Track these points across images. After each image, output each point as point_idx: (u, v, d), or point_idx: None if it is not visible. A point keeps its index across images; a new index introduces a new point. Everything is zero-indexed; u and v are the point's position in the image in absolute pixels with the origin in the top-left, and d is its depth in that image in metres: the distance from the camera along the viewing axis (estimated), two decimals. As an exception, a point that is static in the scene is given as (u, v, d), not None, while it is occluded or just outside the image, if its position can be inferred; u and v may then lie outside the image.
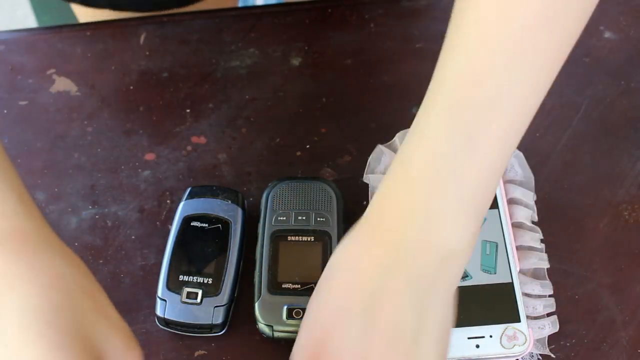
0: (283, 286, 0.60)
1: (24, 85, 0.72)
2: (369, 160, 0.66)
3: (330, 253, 0.61)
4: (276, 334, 0.59)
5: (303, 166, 0.68)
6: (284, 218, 0.63)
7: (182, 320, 0.60)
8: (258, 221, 0.63)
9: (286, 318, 0.59)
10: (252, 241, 0.64)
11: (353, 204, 0.66)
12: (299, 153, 0.69)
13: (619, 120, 0.71)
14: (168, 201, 0.67)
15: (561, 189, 0.67)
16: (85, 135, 0.70)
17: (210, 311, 0.60)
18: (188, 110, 0.71)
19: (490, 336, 0.58)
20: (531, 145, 0.69)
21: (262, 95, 0.72)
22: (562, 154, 0.69)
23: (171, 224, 0.63)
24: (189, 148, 0.69)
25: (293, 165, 0.68)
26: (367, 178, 0.65)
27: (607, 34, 0.75)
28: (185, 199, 0.64)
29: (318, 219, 0.63)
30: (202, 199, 0.64)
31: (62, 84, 0.72)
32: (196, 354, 0.61)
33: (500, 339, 0.58)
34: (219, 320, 0.60)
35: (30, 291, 0.42)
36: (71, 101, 0.72)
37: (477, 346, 0.58)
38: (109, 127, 0.70)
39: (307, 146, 0.69)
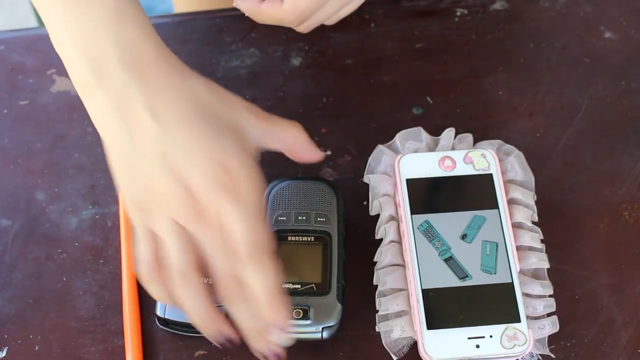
0: (283, 286, 0.60)
1: (24, 85, 0.73)
2: (369, 160, 0.66)
3: (331, 252, 0.61)
4: None
5: (303, 166, 0.68)
6: (284, 218, 0.63)
7: (182, 321, 0.60)
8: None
9: None
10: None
11: (353, 204, 0.66)
12: (299, 153, 0.69)
13: (619, 120, 0.71)
14: (168, 201, 0.67)
15: (561, 189, 0.67)
16: (86, 135, 0.70)
17: None
18: (188, 110, 0.71)
19: (490, 336, 0.58)
20: (531, 145, 0.69)
21: (262, 95, 0.72)
22: (562, 154, 0.69)
23: None
24: (189, 148, 0.69)
25: (293, 165, 0.68)
26: (367, 178, 0.65)
27: (607, 34, 0.75)
28: None
29: (318, 219, 0.63)
30: None
31: (63, 84, 0.72)
32: (196, 354, 0.61)
33: (500, 339, 0.58)
34: None
35: (179, 100, 0.53)
36: (71, 101, 0.72)
37: (477, 346, 0.58)
38: (109, 127, 0.70)
39: (307, 146, 0.69)
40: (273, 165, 0.68)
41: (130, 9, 0.54)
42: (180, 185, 0.52)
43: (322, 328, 0.59)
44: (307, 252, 0.61)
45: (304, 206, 0.63)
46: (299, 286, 0.60)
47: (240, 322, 0.54)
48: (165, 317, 0.60)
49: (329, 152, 0.63)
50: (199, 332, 0.60)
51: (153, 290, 0.54)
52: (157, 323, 0.61)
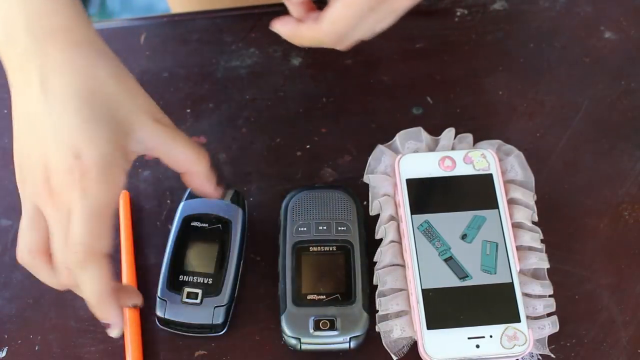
0: (308, 298, 0.60)
1: (24, 85, 0.72)
2: (369, 160, 0.66)
3: (353, 261, 0.61)
4: (304, 347, 0.59)
5: (303, 166, 0.68)
6: (305, 229, 0.62)
7: (182, 321, 0.60)
8: (278, 232, 0.63)
9: (313, 330, 0.59)
10: (251, 241, 0.64)
11: (353, 204, 0.66)
12: (299, 153, 0.69)
13: (619, 120, 0.71)
14: (168, 201, 0.67)
15: (561, 189, 0.67)
16: (86, 135, 0.70)
17: (210, 311, 0.60)
18: (188, 110, 0.71)
19: (491, 336, 0.58)
20: (531, 145, 0.69)
21: (262, 95, 0.72)
22: (562, 154, 0.69)
23: (171, 224, 0.63)
24: (189, 148, 0.69)
25: (293, 165, 0.68)
26: (367, 178, 0.65)
27: (607, 34, 0.75)
28: (185, 199, 0.64)
29: (339, 228, 0.63)
30: (202, 199, 0.63)
31: (62, 84, 0.72)
32: (196, 354, 0.61)
33: (501, 339, 0.58)
34: (219, 320, 0.60)
35: (72, 77, 0.52)
36: (71, 101, 0.72)
37: (477, 346, 0.58)
38: (109, 127, 0.70)
39: (307, 146, 0.70)
40: (273, 165, 0.68)
41: None
42: (42, 164, 0.52)
43: (350, 338, 0.59)
44: (330, 262, 0.61)
45: (324, 216, 0.63)
46: (324, 297, 0.60)
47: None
48: (166, 317, 0.60)
49: (226, 198, 0.63)
50: (199, 332, 0.60)
51: (39, 275, 0.55)
52: (157, 323, 0.61)
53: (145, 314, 0.62)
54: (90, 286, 0.52)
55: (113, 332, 0.55)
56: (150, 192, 0.67)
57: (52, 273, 0.54)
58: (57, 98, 0.51)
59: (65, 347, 0.61)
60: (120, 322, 0.54)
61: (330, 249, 0.61)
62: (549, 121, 0.71)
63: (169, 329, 0.61)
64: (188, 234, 0.62)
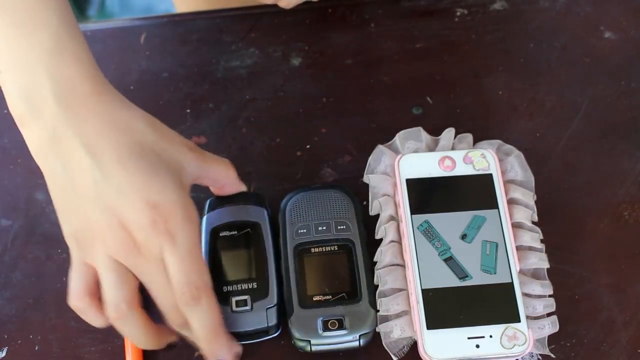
0: (314, 299, 0.60)
1: (24, 85, 0.72)
2: (369, 160, 0.66)
3: (356, 259, 0.61)
4: (314, 348, 0.59)
5: (303, 166, 0.68)
6: (305, 230, 0.62)
7: (237, 330, 0.59)
8: (279, 235, 0.63)
9: (322, 331, 0.58)
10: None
11: (353, 204, 0.66)
12: (299, 153, 0.69)
13: (619, 120, 0.71)
14: (168, 201, 0.67)
15: (561, 189, 0.67)
16: (85, 135, 0.70)
17: (263, 315, 0.59)
18: (188, 110, 0.71)
19: (490, 336, 0.58)
20: (531, 145, 0.69)
21: (262, 95, 0.72)
22: (562, 154, 0.69)
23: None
24: (189, 148, 0.69)
25: (293, 165, 0.68)
26: (367, 178, 0.65)
27: (607, 34, 0.75)
28: (207, 212, 0.63)
29: (339, 227, 0.62)
30: (224, 208, 0.63)
31: (62, 84, 0.72)
32: (196, 354, 0.61)
33: (500, 339, 0.58)
34: (273, 321, 0.59)
35: (118, 137, 0.53)
36: (71, 101, 0.72)
37: (477, 346, 0.58)
38: (109, 127, 0.70)
39: (307, 146, 0.69)
40: (273, 165, 0.68)
41: (69, 45, 0.53)
42: (116, 223, 0.52)
43: (359, 336, 0.59)
44: (333, 262, 0.61)
45: (322, 216, 0.63)
46: (330, 297, 0.60)
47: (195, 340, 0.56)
48: None
49: (252, 188, 0.65)
50: (256, 338, 0.60)
51: (88, 318, 0.55)
52: None
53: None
54: (204, 321, 0.54)
55: None
56: (150, 192, 0.67)
57: (101, 316, 0.55)
58: (109, 161, 0.52)
59: (65, 347, 0.61)
60: (231, 355, 0.56)
61: (332, 249, 0.61)
62: (549, 121, 0.71)
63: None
64: (220, 244, 0.62)
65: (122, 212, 0.52)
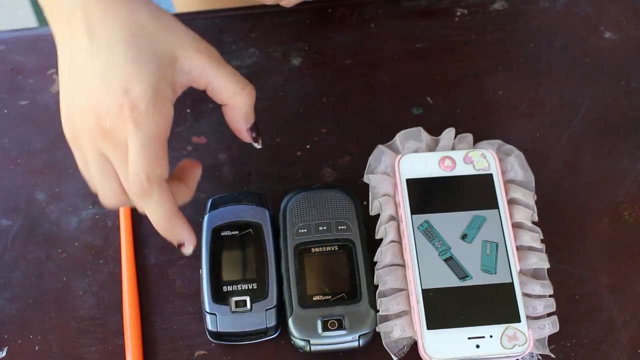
0: (314, 299, 0.60)
1: (24, 85, 0.73)
2: (369, 160, 0.66)
3: (356, 259, 0.61)
4: (313, 348, 0.59)
5: (303, 166, 0.68)
6: (305, 230, 0.62)
7: (236, 331, 0.59)
8: (279, 235, 0.63)
9: (322, 331, 0.58)
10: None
11: (353, 204, 0.66)
12: (299, 153, 0.69)
13: (619, 120, 0.71)
14: (168, 201, 0.67)
15: (561, 189, 0.67)
16: (86, 135, 0.70)
17: (262, 315, 0.59)
18: (188, 110, 0.71)
19: (491, 336, 0.58)
20: (531, 145, 0.69)
21: (262, 95, 0.72)
22: (562, 154, 0.69)
23: (199, 238, 0.62)
24: (189, 148, 0.69)
25: (293, 165, 0.68)
26: (367, 178, 0.65)
27: (607, 34, 0.75)
28: (209, 211, 0.63)
29: (339, 227, 0.62)
30: (226, 207, 0.63)
31: (62, 84, 0.72)
32: (196, 354, 0.61)
33: (501, 339, 0.58)
34: (272, 322, 0.60)
35: (115, 23, 0.55)
36: (71, 101, 0.72)
37: (477, 346, 0.58)
38: (109, 127, 0.70)
39: (307, 146, 0.69)
40: (273, 165, 0.68)
41: None
42: (94, 110, 0.54)
43: (359, 336, 0.59)
44: (333, 262, 0.61)
45: (323, 216, 0.63)
46: (330, 297, 0.60)
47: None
48: (218, 330, 0.59)
49: (257, 146, 0.62)
50: (254, 339, 0.60)
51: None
52: (209, 338, 0.60)
53: (145, 314, 0.62)
54: (157, 212, 0.55)
55: (188, 249, 0.57)
56: (150, 192, 0.67)
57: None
58: (102, 43, 0.54)
59: (65, 347, 0.61)
60: (192, 237, 0.57)
61: (332, 249, 0.61)
62: (549, 121, 0.71)
63: (222, 342, 0.60)
64: (221, 244, 0.62)
65: (99, 97, 0.54)
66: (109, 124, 0.54)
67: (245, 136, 0.60)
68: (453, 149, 0.66)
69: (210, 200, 0.64)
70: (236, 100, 0.58)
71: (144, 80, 0.54)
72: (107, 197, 0.57)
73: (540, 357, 0.60)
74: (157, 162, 0.54)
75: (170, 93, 0.55)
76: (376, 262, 0.62)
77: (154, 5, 0.57)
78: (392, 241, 0.62)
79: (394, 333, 0.59)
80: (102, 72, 0.54)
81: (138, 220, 0.66)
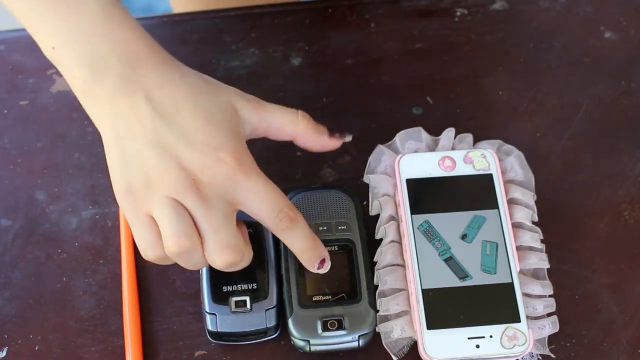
0: (314, 299, 0.60)
1: (24, 85, 0.73)
2: (369, 160, 0.66)
3: (356, 259, 0.61)
4: (313, 348, 0.59)
5: (303, 166, 0.68)
6: None
7: (236, 331, 0.59)
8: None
9: (322, 331, 0.59)
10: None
11: (353, 204, 0.66)
12: (299, 153, 0.69)
13: (619, 120, 0.71)
14: (168, 201, 0.67)
15: (561, 189, 0.67)
16: (86, 135, 0.70)
17: (262, 315, 0.59)
18: (188, 110, 0.71)
19: (491, 336, 0.58)
20: (531, 145, 0.69)
21: (262, 95, 0.72)
22: (562, 154, 0.69)
23: None
24: (189, 148, 0.69)
25: (293, 165, 0.68)
26: (367, 178, 0.65)
27: (607, 34, 0.75)
28: None
29: (339, 227, 0.62)
30: None
31: (63, 84, 0.72)
32: (196, 354, 0.61)
33: (501, 339, 0.58)
34: (272, 322, 0.60)
35: (173, 89, 0.55)
36: (71, 101, 0.71)
37: (477, 346, 0.58)
38: (109, 127, 0.70)
39: (307, 146, 0.69)
40: (273, 165, 0.68)
41: (117, 12, 0.56)
42: (175, 165, 0.53)
43: (359, 336, 0.59)
44: (333, 262, 0.60)
45: (323, 216, 0.63)
46: (330, 297, 0.60)
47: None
48: (218, 330, 0.59)
49: (348, 139, 0.62)
50: (254, 339, 0.60)
51: (182, 262, 0.56)
52: (209, 338, 0.60)
53: (145, 314, 0.62)
54: (305, 235, 0.57)
55: (326, 267, 0.59)
56: (150, 192, 0.67)
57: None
58: (169, 108, 0.55)
59: (65, 347, 0.61)
60: (324, 252, 0.59)
61: (332, 249, 0.61)
62: (549, 121, 0.71)
63: (222, 342, 0.60)
64: None
65: (182, 155, 0.54)
66: (207, 177, 0.54)
67: (334, 144, 0.61)
68: (453, 149, 0.66)
69: None
70: (299, 127, 0.60)
71: (230, 138, 0.55)
72: (179, 238, 0.54)
73: (540, 357, 0.60)
74: (284, 196, 0.56)
75: (244, 145, 0.57)
76: (376, 262, 0.62)
77: (189, 68, 0.58)
78: (392, 241, 0.62)
79: (393, 333, 0.59)
80: (178, 133, 0.54)
81: (138, 220, 0.66)
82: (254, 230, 0.62)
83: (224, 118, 0.56)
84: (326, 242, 0.61)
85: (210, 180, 0.54)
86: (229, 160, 0.54)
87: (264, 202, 0.55)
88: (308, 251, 0.58)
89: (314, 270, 0.59)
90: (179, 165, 0.53)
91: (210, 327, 0.60)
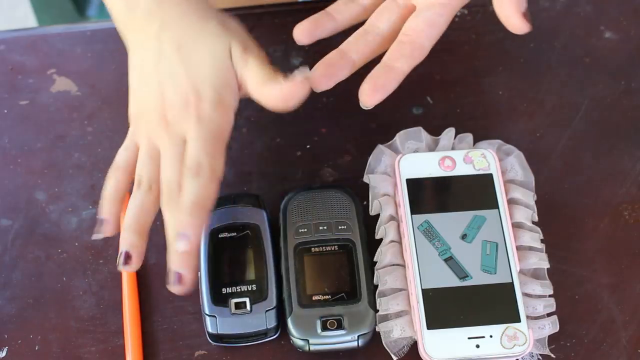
0: (313, 299, 0.60)
1: (24, 85, 0.72)
2: (369, 160, 0.66)
3: (356, 259, 0.61)
4: (312, 347, 0.59)
5: (303, 166, 0.68)
6: (305, 230, 0.62)
7: (236, 332, 0.59)
8: (278, 235, 0.63)
9: (321, 330, 0.59)
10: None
11: (353, 204, 0.66)
12: (299, 153, 0.69)
13: (619, 120, 0.71)
14: (168, 201, 0.67)
15: (561, 189, 0.67)
16: (85, 135, 0.70)
17: (262, 317, 0.59)
18: (188, 110, 0.71)
19: (491, 336, 0.58)
20: (531, 145, 0.69)
21: (262, 95, 0.72)
22: (562, 154, 0.69)
23: None
24: (189, 148, 0.69)
25: (293, 165, 0.68)
26: (367, 178, 0.65)
27: (607, 34, 0.75)
28: None
29: (339, 227, 0.62)
30: (223, 209, 0.63)
31: (62, 84, 0.72)
32: (196, 354, 0.61)
33: (501, 339, 0.58)
34: (272, 323, 0.60)
35: (185, 29, 0.59)
36: (71, 101, 0.72)
37: (477, 346, 0.58)
38: (109, 127, 0.70)
39: (307, 146, 0.69)
40: (273, 165, 0.68)
41: None
42: (160, 103, 0.57)
43: (358, 336, 0.59)
44: (333, 262, 0.61)
45: (323, 216, 0.63)
46: (329, 297, 0.60)
47: (166, 226, 0.56)
48: (219, 332, 0.59)
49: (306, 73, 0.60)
50: (254, 340, 0.60)
51: (106, 191, 0.58)
52: (209, 340, 0.60)
53: (145, 314, 0.62)
54: (194, 192, 0.55)
55: (182, 246, 0.54)
56: (150, 192, 0.67)
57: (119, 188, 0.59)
58: (170, 46, 0.58)
59: (65, 347, 0.61)
60: (199, 237, 0.56)
61: (332, 249, 0.61)
62: (549, 121, 0.71)
63: (222, 344, 0.60)
64: (219, 246, 0.62)
65: (166, 92, 0.57)
66: (171, 116, 0.57)
67: (293, 88, 0.59)
68: (453, 149, 0.66)
69: None
70: (249, 72, 0.59)
71: (209, 84, 0.57)
72: (142, 179, 0.58)
73: (540, 357, 0.60)
74: (216, 155, 0.56)
75: (234, 102, 0.58)
76: (376, 262, 0.62)
77: (215, 10, 0.61)
78: (392, 241, 0.62)
79: (393, 333, 0.59)
80: (169, 73, 0.57)
81: (138, 220, 0.66)
82: (251, 232, 0.62)
83: (219, 65, 0.58)
84: (326, 242, 0.61)
85: (172, 119, 0.57)
86: (193, 103, 0.56)
87: (191, 148, 0.56)
88: (186, 208, 0.55)
89: (170, 278, 0.55)
90: (161, 103, 0.57)
91: (210, 329, 0.59)
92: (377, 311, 0.60)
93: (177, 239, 0.54)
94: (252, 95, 0.59)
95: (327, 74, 0.59)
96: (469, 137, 0.67)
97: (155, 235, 0.65)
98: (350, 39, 0.60)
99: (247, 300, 0.60)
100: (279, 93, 0.58)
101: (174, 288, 0.55)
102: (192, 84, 0.57)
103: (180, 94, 0.57)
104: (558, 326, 0.60)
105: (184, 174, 0.56)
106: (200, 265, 0.61)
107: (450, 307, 0.59)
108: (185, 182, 0.55)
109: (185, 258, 0.55)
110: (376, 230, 0.63)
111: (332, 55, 0.60)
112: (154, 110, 0.57)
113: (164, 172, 0.57)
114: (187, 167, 0.55)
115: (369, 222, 0.64)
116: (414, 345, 0.59)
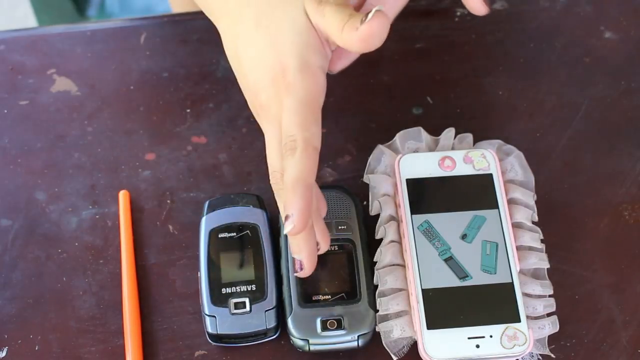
0: (313, 298, 0.60)
1: (24, 85, 0.73)
2: (369, 160, 0.66)
3: (356, 259, 0.61)
4: (312, 347, 0.59)
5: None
6: None
7: (236, 332, 0.59)
8: (278, 235, 0.63)
9: (321, 330, 0.59)
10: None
11: (353, 204, 0.66)
12: (299, 153, 0.69)
13: (619, 120, 0.71)
14: (168, 201, 0.67)
15: (561, 189, 0.67)
16: (85, 135, 0.70)
17: (262, 316, 0.59)
18: (188, 110, 0.71)
19: (491, 336, 0.58)
20: (531, 145, 0.69)
21: (262, 95, 0.72)
22: (562, 154, 0.69)
23: (197, 240, 0.63)
24: (189, 148, 0.69)
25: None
26: (367, 178, 0.65)
27: (607, 34, 0.75)
28: (206, 213, 0.63)
29: (339, 227, 0.62)
30: (223, 209, 0.63)
31: (62, 84, 0.72)
32: (196, 354, 0.61)
33: (501, 339, 0.58)
34: (272, 323, 0.60)
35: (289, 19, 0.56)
36: (71, 101, 0.72)
37: (477, 346, 0.58)
38: (109, 127, 0.70)
39: (307, 146, 0.69)
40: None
41: None
42: (253, 88, 0.56)
43: (358, 336, 0.59)
44: (333, 262, 0.61)
45: (324, 216, 0.63)
46: (329, 297, 0.60)
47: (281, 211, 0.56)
48: (218, 332, 0.59)
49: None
50: (254, 340, 0.60)
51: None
52: (209, 340, 0.60)
53: (145, 314, 0.62)
54: (290, 169, 0.53)
55: (290, 227, 0.52)
56: (150, 192, 0.67)
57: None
58: (251, 27, 0.56)
59: (65, 347, 0.61)
60: (304, 216, 0.52)
61: (333, 249, 0.61)
62: (549, 121, 0.71)
63: (222, 344, 0.60)
64: (218, 246, 0.62)
65: (255, 75, 0.56)
66: (264, 98, 0.55)
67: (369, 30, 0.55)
68: (453, 149, 0.66)
69: (207, 202, 0.64)
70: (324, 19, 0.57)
71: (290, 52, 0.55)
72: (274, 173, 0.56)
73: (540, 357, 0.60)
74: (308, 125, 0.53)
75: (320, 61, 0.56)
76: (376, 262, 0.62)
77: None
78: (392, 241, 0.62)
79: (393, 333, 0.59)
80: (254, 53, 0.56)
81: (138, 220, 0.66)
82: (251, 232, 0.62)
83: (292, 30, 0.55)
84: None
85: (266, 102, 0.55)
86: (280, 78, 0.54)
87: (284, 124, 0.54)
88: (287, 188, 0.53)
89: (296, 267, 0.57)
90: (252, 86, 0.56)
91: (210, 329, 0.60)
92: (377, 311, 0.60)
93: (284, 222, 0.52)
94: (337, 43, 0.56)
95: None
96: (469, 137, 0.67)
97: (155, 236, 0.65)
98: None
99: (246, 300, 0.60)
100: (358, 35, 0.54)
101: (299, 274, 0.57)
102: (274, 58, 0.55)
103: (266, 73, 0.55)
104: (558, 326, 0.60)
105: (283, 155, 0.54)
106: (200, 265, 0.62)
107: (450, 307, 0.59)
108: (284, 163, 0.53)
109: (297, 243, 0.55)
110: (376, 230, 0.63)
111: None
112: (252, 96, 0.57)
113: (268, 159, 0.56)
114: (282, 146, 0.54)
115: (369, 222, 0.64)
116: (414, 345, 0.59)
